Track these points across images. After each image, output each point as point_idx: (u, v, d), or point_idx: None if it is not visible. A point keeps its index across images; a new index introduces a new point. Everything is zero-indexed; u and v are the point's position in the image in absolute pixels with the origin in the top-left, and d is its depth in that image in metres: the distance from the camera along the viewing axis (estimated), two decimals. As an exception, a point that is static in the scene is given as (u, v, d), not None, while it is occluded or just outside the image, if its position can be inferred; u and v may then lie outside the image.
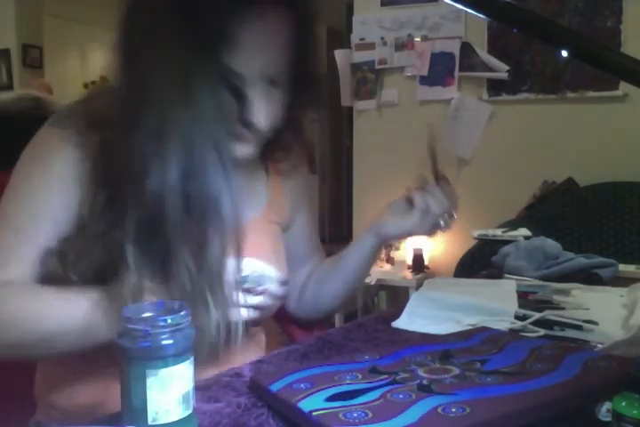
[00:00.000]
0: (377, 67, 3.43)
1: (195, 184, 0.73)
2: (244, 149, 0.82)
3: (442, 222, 0.93)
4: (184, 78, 0.73)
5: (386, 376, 0.67)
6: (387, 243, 1.01)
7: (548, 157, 3.11)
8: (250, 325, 0.85)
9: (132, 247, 0.73)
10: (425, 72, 3.32)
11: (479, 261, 2.40)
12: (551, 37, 0.62)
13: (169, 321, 0.55)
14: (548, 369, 0.67)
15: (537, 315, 0.96)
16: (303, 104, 0.88)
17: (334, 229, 5.95)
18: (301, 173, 1.03)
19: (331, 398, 0.62)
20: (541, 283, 1.23)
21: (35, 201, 0.78)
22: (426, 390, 0.63)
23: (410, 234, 0.96)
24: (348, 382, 0.66)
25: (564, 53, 0.60)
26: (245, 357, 0.88)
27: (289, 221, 1.01)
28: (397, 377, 0.67)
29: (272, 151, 0.93)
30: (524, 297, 1.09)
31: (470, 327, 0.89)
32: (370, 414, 0.58)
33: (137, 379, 0.55)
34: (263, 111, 0.79)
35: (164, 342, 0.55)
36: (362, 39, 3.46)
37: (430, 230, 0.94)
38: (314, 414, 0.58)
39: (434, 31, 3.29)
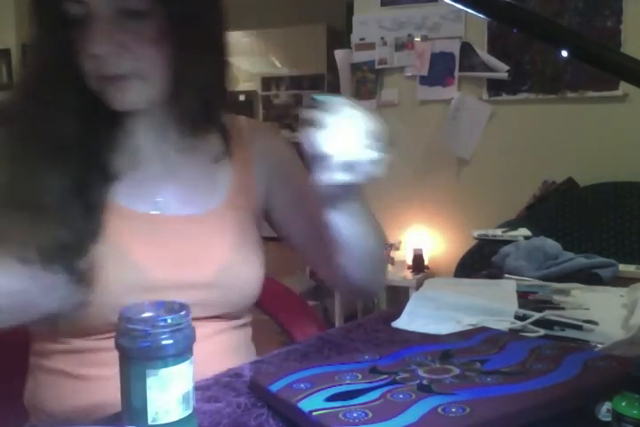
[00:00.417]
0: (377, 67, 3.43)
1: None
2: (125, 97, 0.78)
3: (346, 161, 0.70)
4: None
5: (386, 376, 0.67)
6: (332, 203, 0.78)
7: (547, 157, 3.11)
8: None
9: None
10: (425, 72, 3.32)
11: (479, 261, 2.40)
12: (551, 37, 0.62)
13: (169, 321, 0.55)
14: (548, 369, 0.67)
15: (537, 315, 0.96)
16: (189, 53, 0.78)
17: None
18: (276, 154, 0.96)
19: (331, 398, 0.62)
20: (541, 283, 1.23)
21: None
22: (426, 390, 0.63)
23: (333, 185, 0.73)
24: (348, 382, 0.66)
25: (564, 53, 0.60)
26: (235, 357, 0.87)
27: (264, 204, 0.95)
28: (397, 377, 0.67)
29: (193, 111, 0.84)
30: (524, 297, 1.09)
31: (470, 327, 0.89)
32: (370, 414, 0.58)
33: (137, 379, 0.55)
34: (98, 36, 0.74)
35: (163, 342, 0.55)
36: (362, 39, 3.46)
37: (347, 173, 0.71)
38: (314, 414, 0.58)
39: (434, 31, 3.29)
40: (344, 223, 0.81)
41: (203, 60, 0.81)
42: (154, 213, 0.85)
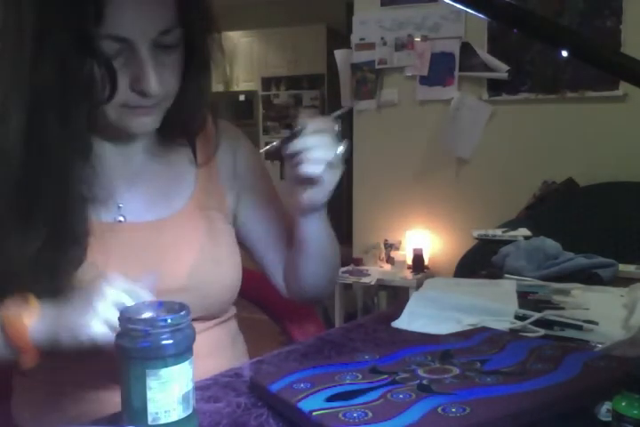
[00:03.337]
0: (377, 67, 3.43)
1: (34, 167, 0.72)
2: (145, 121, 0.79)
3: (309, 165, 0.78)
4: (29, 50, 0.69)
5: (386, 376, 0.67)
6: (305, 210, 0.86)
7: (547, 157, 3.11)
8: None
9: None
10: (425, 72, 3.32)
11: (479, 262, 2.39)
12: (551, 37, 0.62)
13: (169, 321, 0.55)
14: (548, 369, 0.67)
15: (537, 315, 0.96)
16: (197, 67, 0.82)
17: (334, 229, 5.95)
18: (241, 157, 0.96)
19: (331, 398, 0.62)
20: (541, 283, 1.22)
21: None
22: (426, 390, 0.63)
23: (298, 188, 0.83)
24: (348, 382, 0.66)
25: (564, 53, 0.60)
26: (220, 355, 0.87)
27: (234, 207, 0.95)
28: (397, 377, 0.67)
29: (176, 125, 0.87)
30: (524, 297, 1.09)
31: (470, 327, 0.89)
32: (370, 414, 0.58)
33: (137, 379, 0.55)
34: (152, 77, 0.73)
35: (163, 342, 0.55)
36: (362, 39, 3.46)
37: (300, 176, 0.79)
38: (314, 414, 0.58)
39: (434, 31, 3.29)
40: (312, 229, 0.89)
41: (200, 79, 0.83)
42: (117, 221, 0.84)
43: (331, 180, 0.81)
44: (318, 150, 0.78)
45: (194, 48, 0.80)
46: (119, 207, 0.84)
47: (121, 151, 0.86)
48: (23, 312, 0.71)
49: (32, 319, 0.70)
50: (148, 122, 0.79)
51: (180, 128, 0.88)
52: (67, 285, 0.74)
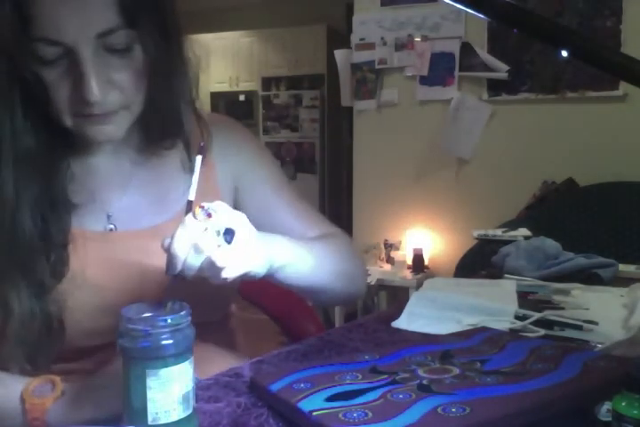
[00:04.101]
0: (377, 67, 3.43)
1: None
2: (105, 130, 0.74)
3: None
4: None
5: (386, 376, 0.67)
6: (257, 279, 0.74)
7: (548, 157, 3.11)
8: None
9: None
10: (425, 72, 3.32)
11: (479, 261, 2.40)
12: (551, 37, 0.62)
13: (169, 321, 0.55)
14: (548, 369, 0.67)
15: (537, 315, 0.96)
16: (161, 72, 0.76)
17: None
18: (239, 152, 0.90)
19: (331, 398, 0.62)
20: (541, 283, 1.23)
21: None
22: (426, 390, 0.63)
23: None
24: (348, 382, 0.66)
25: (564, 53, 0.60)
26: (223, 360, 0.86)
27: (233, 204, 0.89)
28: (397, 377, 0.67)
29: (161, 129, 0.83)
30: (524, 297, 1.09)
31: (470, 327, 0.89)
32: (370, 414, 0.58)
33: (137, 379, 0.55)
34: (92, 83, 0.68)
35: (163, 342, 0.55)
36: (362, 39, 3.46)
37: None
38: (314, 414, 0.58)
39: (434, 31, 3.29)
40: (283, 281, 0.77)
41: (172, 81, 0.79)
42: (107, 229, 0.82)
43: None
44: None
45: (153, 52, 0.74)
46: (109, 216, 0.82)
47: (109, 159, 0.83)
48: (46, 397, 0.70)
49: (52, 404, 0.70)
50: (108, 131, 0.75)
51: (165, 132, 0.84)
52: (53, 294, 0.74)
